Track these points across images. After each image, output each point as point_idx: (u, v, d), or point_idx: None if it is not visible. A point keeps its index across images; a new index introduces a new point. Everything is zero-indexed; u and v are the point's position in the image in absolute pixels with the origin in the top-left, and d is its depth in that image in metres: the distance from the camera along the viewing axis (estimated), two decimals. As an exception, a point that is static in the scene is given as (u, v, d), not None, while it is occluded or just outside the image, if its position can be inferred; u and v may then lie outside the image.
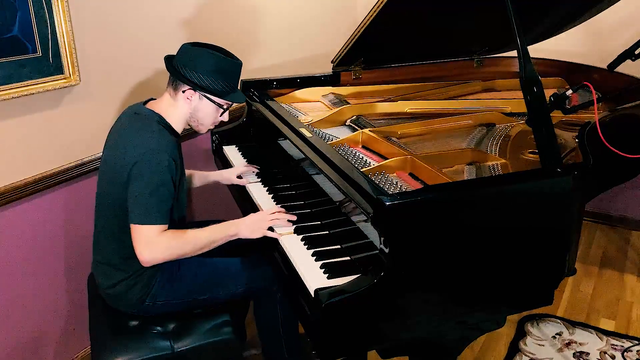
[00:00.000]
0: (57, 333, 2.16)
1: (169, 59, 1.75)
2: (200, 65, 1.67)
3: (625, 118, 2.11)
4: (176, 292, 1.77)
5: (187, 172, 2.11)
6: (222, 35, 2.60)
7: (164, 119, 1.72)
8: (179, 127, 1.76)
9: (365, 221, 1.52)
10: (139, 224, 1.60)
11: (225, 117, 1.81)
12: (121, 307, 1.77)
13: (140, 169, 1.59)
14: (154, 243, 1.61)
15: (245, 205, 2.04)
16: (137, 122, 1.69)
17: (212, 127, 1.83)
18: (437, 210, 1.38)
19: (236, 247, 2.02)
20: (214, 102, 1.74)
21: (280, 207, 1.86)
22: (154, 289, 1.74)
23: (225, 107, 1.78)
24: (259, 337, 1.99)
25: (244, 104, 2.45)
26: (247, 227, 1.73)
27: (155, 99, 1.78)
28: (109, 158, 1.72)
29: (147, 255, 1.61)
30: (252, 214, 1.78)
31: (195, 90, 1.70)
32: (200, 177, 2.14)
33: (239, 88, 1.74)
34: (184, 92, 1.71)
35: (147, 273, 1.74)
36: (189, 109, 1.74)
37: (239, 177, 2.14)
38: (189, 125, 1.79)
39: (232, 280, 1.82)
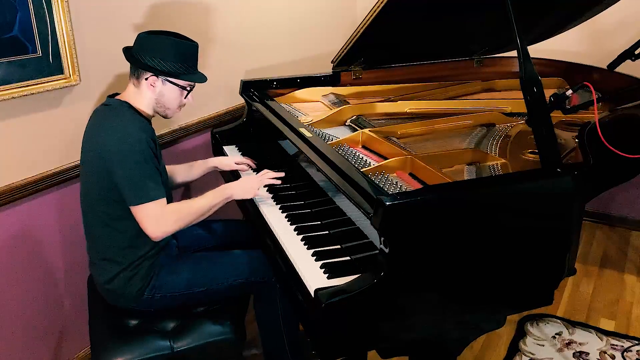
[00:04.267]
0: (57, 333, 2.16)
1: (127, 50, 1.77)
2: (159, 50, 1.70)
3: (625, 118, 2.10)
4: (175, 284, 1.78)
5: (184, 165, 2.14)
6: (222, 35, 2.60)
7: (133, 106, 1.75)
8: (147, 112, 1.79)
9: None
10: (139, 204, 1.63)
11: (190, 99, 1.83)
12: (120, 302, 1.78)
13: (123, 152, 1.62)
14: (160, 218, 1.65)
15: (245, 204, 2.04)
16: (107, 112, 1.72)
17: (178, 111, 1.85)
18: (437, 210, 1.38)
19: (235, 244, 2.03)
20: (176, 84, 1.76)
21: (280, 206, 1.87)
22: (153, 281, 1.75)
23: (188, 88, 1.80)
24: (258, 330, 1.99)
25: (244, 103, 2.45)
26: (240, 188, 1.84)
27: (120, 94, 1.80)
28: (87, 151, 1.74)
29: (156, 231, 1.66)
30: (243, 177, 1.91)
31: (157, 76, 1.73)
32: (199, 165, 2.16)
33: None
34: (146, 79, 1.73)
35: (145, 265, 1.75)
36: (154, 95, 1.76)
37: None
38: (156, 112, 1.81)
39: (231, 272, 1.83)
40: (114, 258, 1.74)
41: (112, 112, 1.71)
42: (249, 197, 1.87)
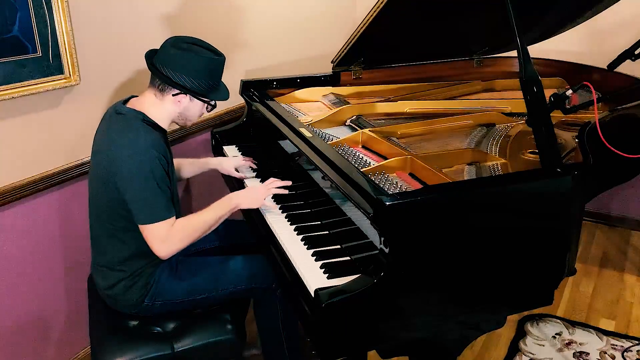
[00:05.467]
0: (57, 333, 2.16)
1: (150, 59, 1.72)
2: (190, 68, 1.66)
3: (625, 118, 2.10)
4: (175, 292, 1.77)
5: (187, 160, 2.12)
6: (222, 35, 2.60)
7: (148, 117, 1.70)
8: (164, 124, 1.75)
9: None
10: (148, 224, 1.61)
11: (210, 111, 1.83)
12: (120, 307, 1.77)
13: (132, 171, 1.58)
14: (167, 238, 1.63)
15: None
16: (120, 122, 1.67)
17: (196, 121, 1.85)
18: (437, 210, 1.38)
19: (236, 247, 2.03)
20: (203, 101, 1.75)
21: (280, 206, 1.87)
22: (153, 289, 1.75)
23: (212, 103, 1.79)
24: (259, 336, 2.00)
25: (244, 103, 2.45)
26: (247, 198, 1.81)
27: (136, 96, 1.76)
28: (97, 162, 1.70)
29: (164, 251, 1.64)
30: (249, 187, 1.86)
31: (185, 94, 1.70)
32: (199, 164, 2.15)
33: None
34: (174, 95, 1.69)
35: (146, 273, 1.74)
36: (178, 110, 1.73)
37: (236, 171, 2.15)
38: (174, 122, 1.79)
39: (231, 279, 1.82)
40: (116, 267, 1.73)
41: (125, 123, 1.66)
42: (255, 207, 1.82)
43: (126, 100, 1.76)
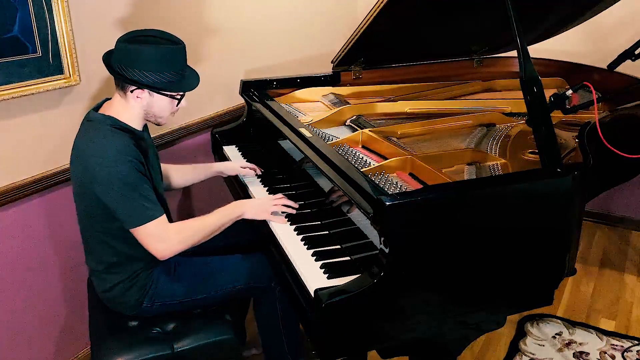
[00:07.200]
0: (57, 333, 2.16)
1: (107, 59, 1.66)
2: (141, 61, 1.57)
3: (625, 118, 2.11)
4: (174, 293, 1.77)
5: (190, 166, 2.10)
6: (222, 35, 2.60)
7: (118, 121, 1.63)
8: (136, 124, 1.68)
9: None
10: (138, 226, 1.58)
11: (184, 104, 1.73)
12: (119, 309, 1.77)
13: (106, 178, 1.55)
14: (163, 236, 1.60)
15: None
16: (89, 131, 1.63)
17: (172, 117, 1.77)
18: (437, 210, 1.38)
19: (235, 246, 2.02)
20: (165, 95, 1.66)
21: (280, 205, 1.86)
22: (152, 291, 1.74)
23: (178, 97, 1.68)
24: (259, 334, 1.99)
25: (244, 103, 2.45)
26: (253, 208, 1.78)
27: (110, 99, 1.71)
28: (75, 174, 1.67)
29: (161, 251, 1.61)
30: (257, 198, 1.82)
31: (142, 89, 1.63)
32: (202, 169, 2.12)
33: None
34: (132, 92, 1.63)
35: (143, 275, 1.73)
36: (142, 107, 1.66)
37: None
38: (147, 121, 1.73)
39: (230, 278, 1.82)
40: (111, 270, 1.72)
41: (93, 131, 1.61)
42: (259, 219, 1.79)
43: (100, 105, 1.71)
